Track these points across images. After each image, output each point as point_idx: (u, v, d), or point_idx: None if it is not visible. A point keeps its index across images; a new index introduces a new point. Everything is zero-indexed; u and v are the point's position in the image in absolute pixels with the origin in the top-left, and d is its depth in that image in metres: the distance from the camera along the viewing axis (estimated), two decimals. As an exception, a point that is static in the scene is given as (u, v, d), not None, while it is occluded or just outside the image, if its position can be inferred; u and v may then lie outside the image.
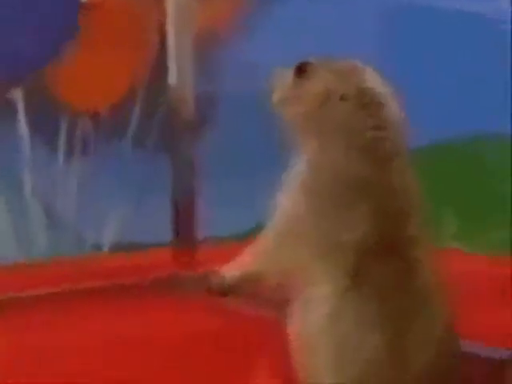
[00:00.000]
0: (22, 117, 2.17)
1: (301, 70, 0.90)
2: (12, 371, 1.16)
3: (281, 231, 0.88)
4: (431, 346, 0.84)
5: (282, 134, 0.91)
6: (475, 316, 1.23)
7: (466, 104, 2.25)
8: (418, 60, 2.25)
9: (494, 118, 2.19)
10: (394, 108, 0.88)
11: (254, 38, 2.30)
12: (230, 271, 0.92)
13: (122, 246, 2.22)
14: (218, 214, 2.03)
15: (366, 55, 0.91)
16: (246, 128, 2.06)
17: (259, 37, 2.29)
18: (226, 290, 0.93)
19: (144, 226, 2.14)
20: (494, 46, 2.21)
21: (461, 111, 2.25)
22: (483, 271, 1.74)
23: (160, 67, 1.79)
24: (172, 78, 1.68)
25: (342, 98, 0.87)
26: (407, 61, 2.18)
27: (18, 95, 2.16)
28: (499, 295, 1.40)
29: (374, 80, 0.88)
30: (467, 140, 2.35)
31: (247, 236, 0.93)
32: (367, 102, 0.86)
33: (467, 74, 2.24)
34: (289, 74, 0.91)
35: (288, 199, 0.87)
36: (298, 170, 0.88)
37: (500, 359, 1.01)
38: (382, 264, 0.83)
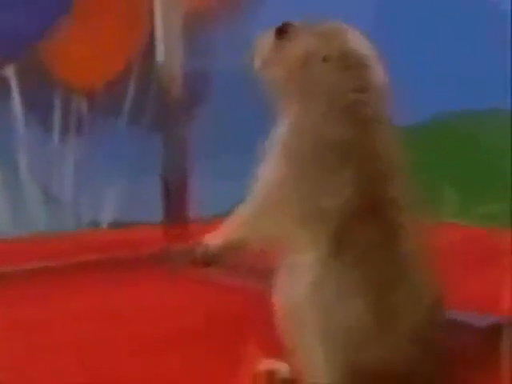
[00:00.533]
0: (16, 94, 2.15)
1: (282, 31, 0.88)
2: (9, 341, 1.18)
3: (263, 197, 0.86)
4: (416, 315, 0.83)
5: (267, 99, 0.89)
6: (470, 284, 1.23)
7: (466, 82, 2.23)
8: (419, 37, 2.22)
9: (493, 96, 2.17)
10: (377, 71, 0.86)
11: (249, 14, 2.27)
12: (214, 240, 0.91)
13: (117, 222, 2.21)
14: (210, 192, 2.02)
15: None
16: (239, 106, 2.03)
17: (254, 13, 2.27)
18: (210, 259, 0.91)
19: (139, 204, 2.14)
20: (494, 26, 2.18)
21: (461, 89, 2.23)
22: (481, 243, 1.74)
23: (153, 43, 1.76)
24: (160, 55, 1.66)
25: (325, 60, 0.85)
26: (408, 39, 2.16)
27: (10, 72, 2.14)
28: (495, 265, 1.40)
29: (357, 42, 0.86)
30: (467, 117, 2.33)
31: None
32: (350, 64, 0.84)
33: (467, 53, 2.22)
34: (270, 36, 0.89)
35: (269, 164, 0.86)
36: (279, 133, 0.86)
37: (487, 326, 0.99)
38: (365, 229, 0.81)
